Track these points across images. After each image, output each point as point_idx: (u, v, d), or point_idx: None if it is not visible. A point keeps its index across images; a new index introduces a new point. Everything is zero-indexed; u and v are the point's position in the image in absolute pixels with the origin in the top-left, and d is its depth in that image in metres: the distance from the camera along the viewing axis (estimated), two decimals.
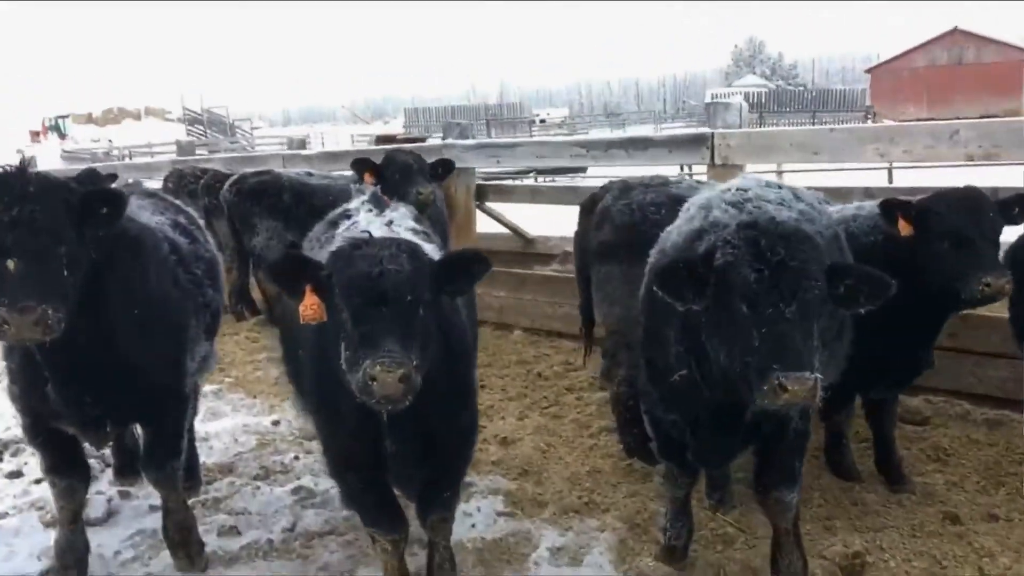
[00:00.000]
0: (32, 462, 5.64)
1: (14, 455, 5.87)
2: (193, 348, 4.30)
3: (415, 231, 3.87)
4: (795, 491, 3.72)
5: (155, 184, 21.30)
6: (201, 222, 5.04)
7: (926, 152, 6.21)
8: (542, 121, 72.62)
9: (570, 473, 5.29)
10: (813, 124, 55.84)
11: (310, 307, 3.10)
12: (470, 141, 9.54)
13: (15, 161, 3.59)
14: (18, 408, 3.99)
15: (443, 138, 9.66)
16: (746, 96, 67.93)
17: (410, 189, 7.68)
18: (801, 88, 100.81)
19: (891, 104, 55.12)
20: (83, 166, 28.65)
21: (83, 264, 3.46)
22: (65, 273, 3.33)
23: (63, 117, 67.14)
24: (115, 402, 3.84)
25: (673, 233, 3.79)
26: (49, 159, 37.84)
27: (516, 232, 10.11)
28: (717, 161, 7.12)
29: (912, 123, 7.11)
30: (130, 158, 37.72)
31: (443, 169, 8.64)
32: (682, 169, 19.44)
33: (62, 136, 59.55)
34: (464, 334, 3.67)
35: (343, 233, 4.01)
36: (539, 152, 8.68)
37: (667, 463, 4.10)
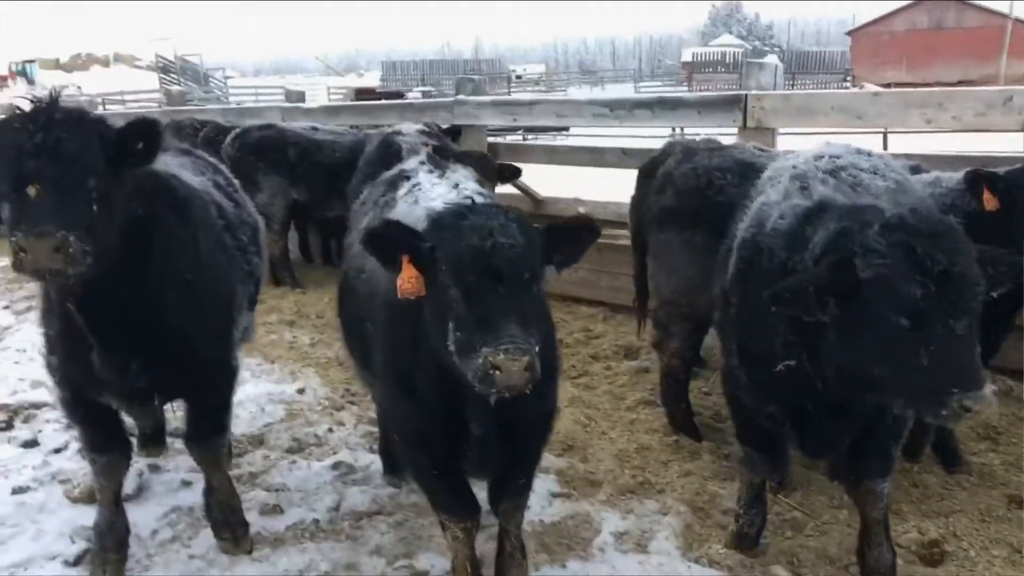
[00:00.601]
0: (47, 430, 5.37)
1: (26, 422, 5.56)
2: (239, 318, 4.03)
3: (482, 196, 3.59)
4: (888, 480, 3.54)
5: None
6: (237, 182, 4.73)
7: (977, 120, 5.98)
8: (518, 77, 71.82)
9: (617, 450, 5.09)
10: (792, 87, 55.61)
11: (408, 280, 2.83)
12: (484, 98, 9.22)
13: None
14: (56, 380, 3.70)
15: (456, 94, 9.30)
16: (723, 56, 67.66)
17: None
18: (776, 49, 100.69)
19: (871, 67, 54.95)
20: None
21: (117, 204, 3.17)
22: (94, 208, 3.05)
23: (30, 62, 65.04)
24: (163, 373, 3.56)
25: (772, 211, 3.44)
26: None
27: (526, 193, 9.80)
28: (750, 124, 6.89)
29: (962, 88, 6.87)
30: (104, 106, 36.68)
31: (510, 174, 8.30)
32: (674, 131, 19.16)
33: (30, 82, 57.81)
34: (549, 308, 3.43)
35: (409, 196, 3.74)
36: (559, 111, 8.36)
37: (747, 448, 3.89)
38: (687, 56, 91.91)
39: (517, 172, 8.39)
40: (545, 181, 10.15)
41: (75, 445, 5.11)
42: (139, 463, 4.81)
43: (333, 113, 10.82)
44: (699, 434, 5.24)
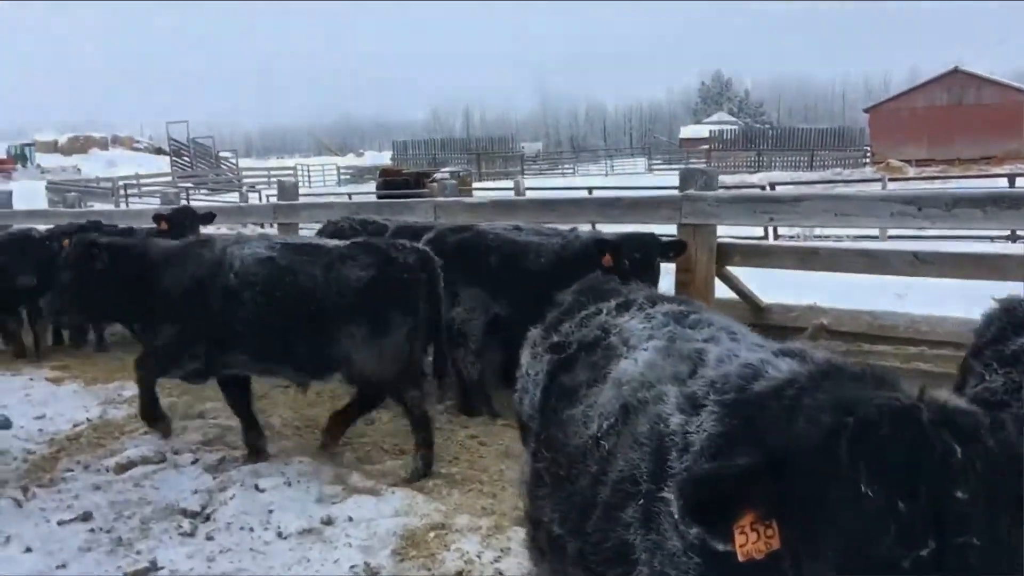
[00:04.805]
0: None
1: None
2: None
3: None
4: None
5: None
6: None
7: None
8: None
9: None
10: (812, 164, 55.30)
11: None
12: (724, 193, 7.93)
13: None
14: None
15: (680, 189, 7.99)
16: (720, 133, 67.63)
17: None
18: (767, 126, 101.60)
19: (890, 144, 54.66)
20: (70, 202, 26.30)
21: None
22: None
23: (29, 145, 63.81)
24: None
25: None
26: (31, 192, 34.93)
27: (744, 297, 8.45)
28: None
29: None
30: (125, 191, 35.36)
31: (676, 252, 7.53)
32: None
33: (37, 166, 56.49)
34: None
35: None
36: (839, 209, 6.98)
37: None
38: (685, 133, 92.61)
39: (683, 249, 7.50)
40: (774, 281, 8.79)
41: None
42: None
43: (506, 209, 9.43)
44: None
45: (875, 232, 18.45)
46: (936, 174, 42.37)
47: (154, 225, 10.63)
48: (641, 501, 2.27)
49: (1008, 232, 17.41)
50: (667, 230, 8.14)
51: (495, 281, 7.67)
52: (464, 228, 7.94)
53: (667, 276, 7.77)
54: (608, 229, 8.86)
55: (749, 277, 8.59)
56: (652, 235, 7.37)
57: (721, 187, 30.12)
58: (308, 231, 11.75)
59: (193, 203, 27.42)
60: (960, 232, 15.06)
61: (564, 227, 8.59)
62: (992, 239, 17.56)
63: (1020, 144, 48.63)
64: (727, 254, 7.95)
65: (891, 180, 30.78)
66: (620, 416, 2.51)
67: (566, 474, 2.68)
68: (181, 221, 10.69)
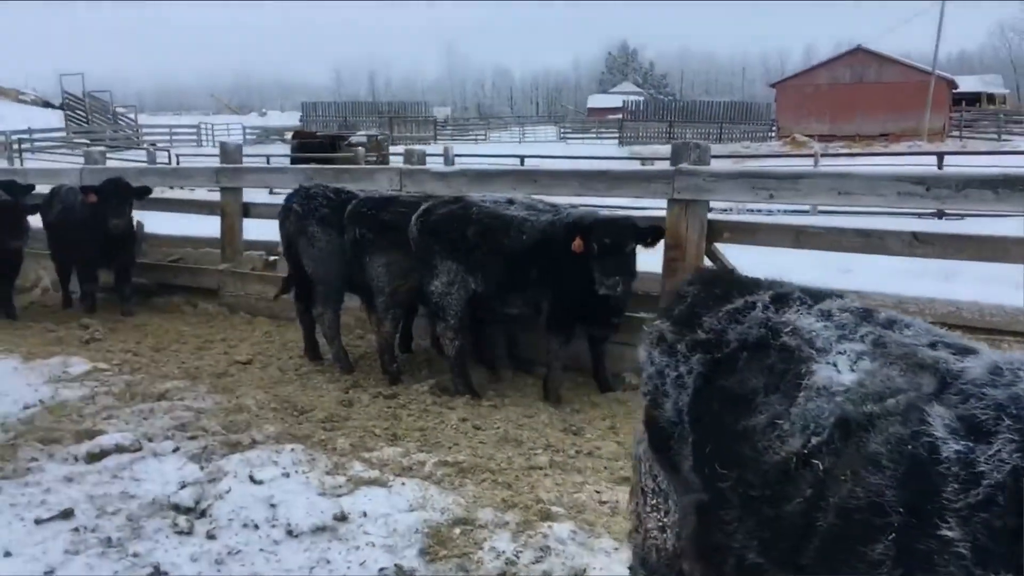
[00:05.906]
0: None
1: None
2: None
3: None
4: None
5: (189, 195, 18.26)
6: None
7: None
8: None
9: None
10: (721, 137, 56.11)
11: None
12: (720, 168, 7.65)
13: None
14: None
15: (672, 162, 7.69)
16: (629, 104, 67.93)
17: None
18: (671, 98, 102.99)
19: (795, 119, 55.95)
20: None
21: None
22: None
23: None
24: None
25: None
26: None
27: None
28: None
29: None
30: (19, 147, 33.24)
31: (653, 238, 7.12)
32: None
33: None
34: None
35: None
36: (842, 187, 6.81)
37: None
38: (593, 102, 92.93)
39: (660, 236, 7.25)
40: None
41: None
42: None
43: (481, 180, 8.92)
44: None
45: (807, 208, 18.66)
46: (841, 149, 43.52)
47: None
48: (893, 535, 1.96)
49: (936, 211, 17.78)
50: (657, 205, 7.88)
51: (472, 255, 7.27)
52: (453, 200, 7.50)
53: (656, 252, 7.49)
54: (595, 203, 8.54)
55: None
56: (628, 219, 6.97)
57: (636, 158, 29.97)
58: (258, 196, 11.13)
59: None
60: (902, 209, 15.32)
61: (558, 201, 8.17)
62: (920, 215, 18.00)
63: (918, 123, 50.27)
64: (716, 231, 7.71)
65: (800, 156, 31.39)
66: (837, 432, 2.19)
67: (760, 495, 2.35)
68: (112, 195, 9.82)
